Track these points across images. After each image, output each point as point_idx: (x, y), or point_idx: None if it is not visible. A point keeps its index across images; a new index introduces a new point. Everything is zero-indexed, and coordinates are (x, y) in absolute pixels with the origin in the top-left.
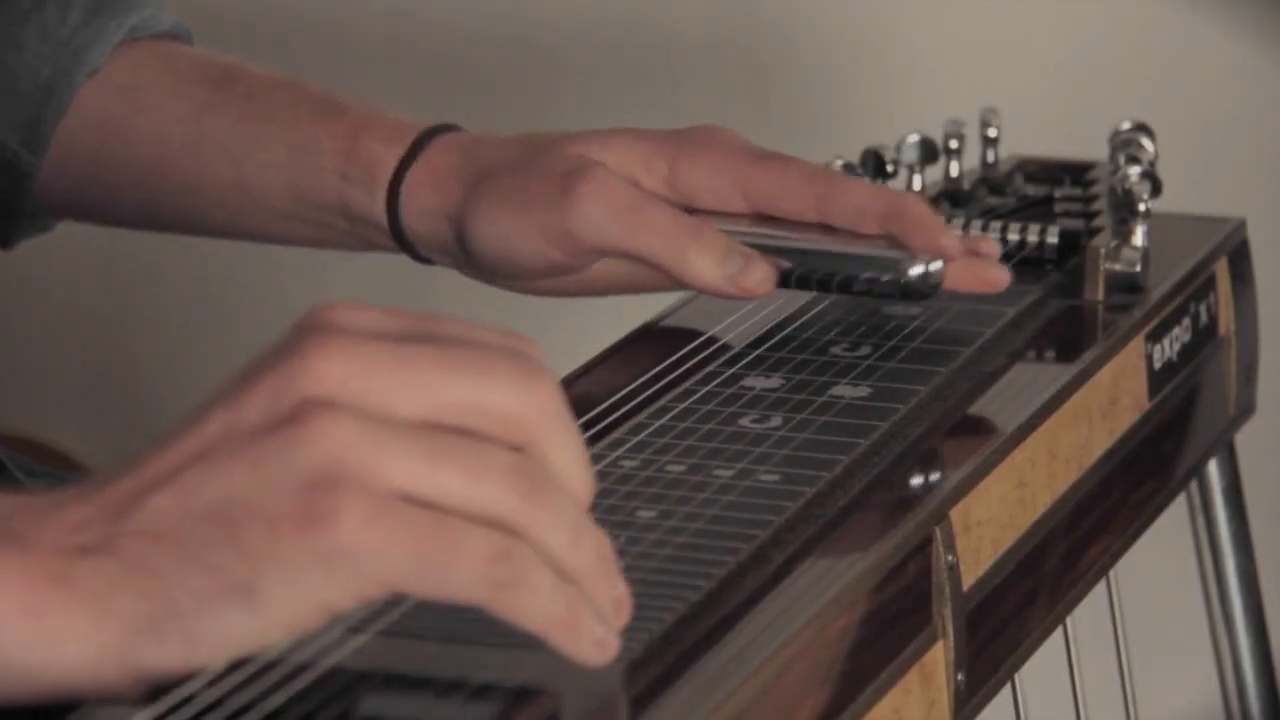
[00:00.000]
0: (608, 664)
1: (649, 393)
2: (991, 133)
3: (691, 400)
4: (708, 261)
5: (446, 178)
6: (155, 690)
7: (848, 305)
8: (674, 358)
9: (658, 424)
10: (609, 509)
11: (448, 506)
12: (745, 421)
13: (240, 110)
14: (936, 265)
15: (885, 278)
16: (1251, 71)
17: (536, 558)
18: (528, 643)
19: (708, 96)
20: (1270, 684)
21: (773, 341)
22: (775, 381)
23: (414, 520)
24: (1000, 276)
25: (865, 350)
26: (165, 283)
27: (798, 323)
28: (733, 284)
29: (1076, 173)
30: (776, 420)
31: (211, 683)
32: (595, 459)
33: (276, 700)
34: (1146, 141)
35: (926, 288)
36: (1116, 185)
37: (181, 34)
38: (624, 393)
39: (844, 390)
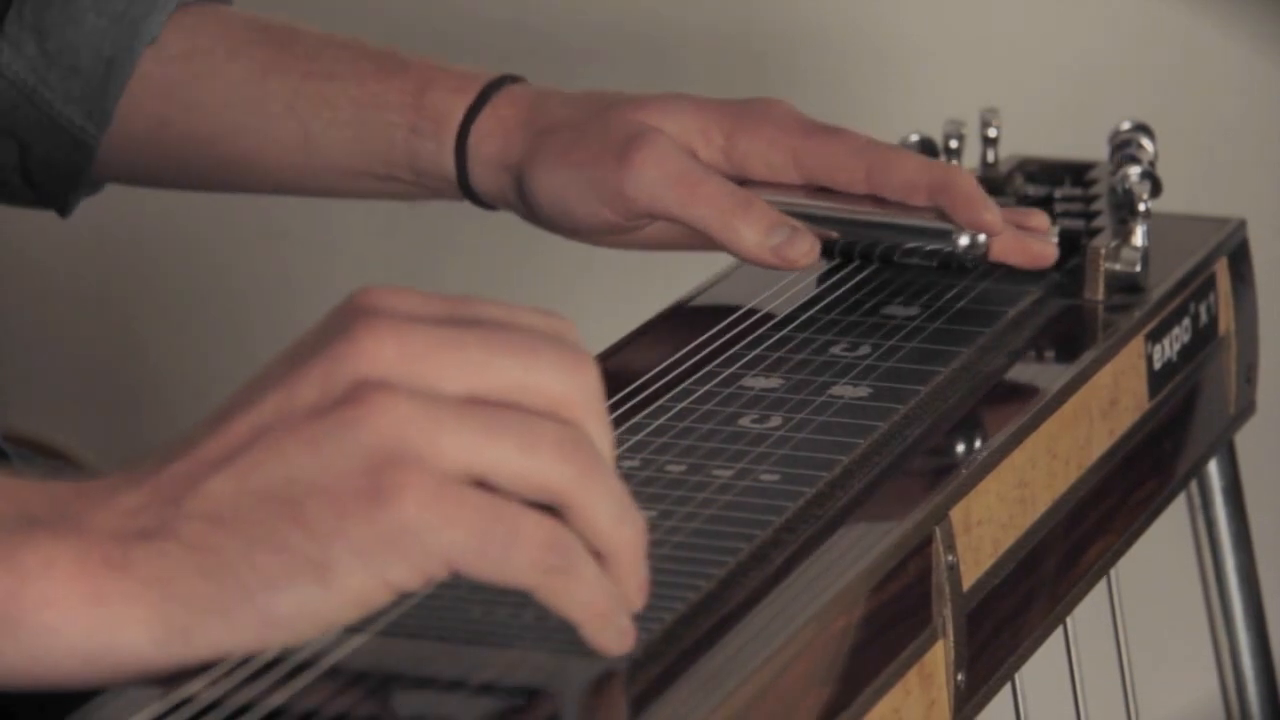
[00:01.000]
0: (624, 653)
1: (650, 393)
2: (991, 133)
3: (691, 400)
4: (754, 233)
5: (512, 129)
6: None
7: (848, 305)
8: (674, 358)
9: (657, 424)
10: None
11: (503, 479)
12: (745, 421)
13: (302, 70)
14: (983, 237)
15: (931, 247)
16: (1252, 72)
17: (583, 548)
18: (528, 643)
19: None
20: (1270, 684)
21: (772, 341)
22: (775, 381)
23: (474, 501)
24: (1047, 250)
25: (865, 350)
26: (168, 281)
27: (797, 322)
28: (777, 255)
29: (1076, 173)
30: (776, 420)
31: (212, 683)
32: None
33: (276, 700)
34: (1146, 141)
35: (972, 258)
36: (1116, 185)
37: None
38: (624, 392)
39: (844, 390)
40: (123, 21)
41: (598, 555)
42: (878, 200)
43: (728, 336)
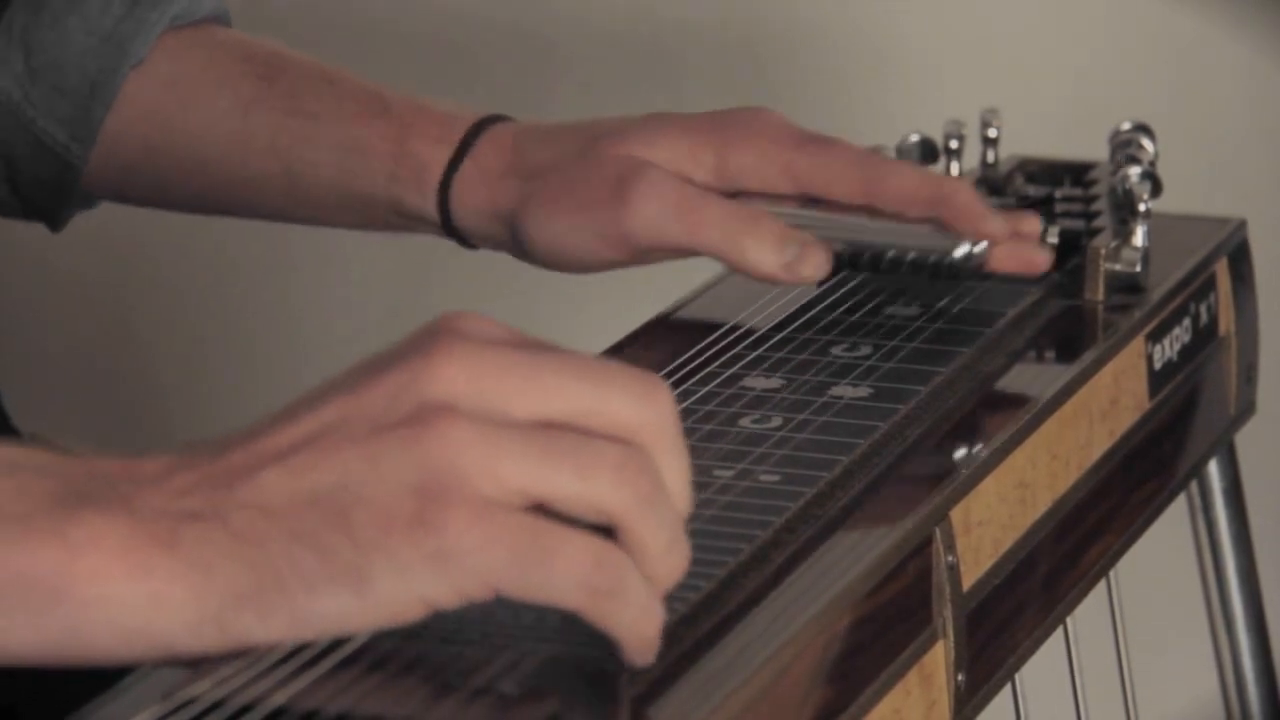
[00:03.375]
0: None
1: None
2: (992, 133)
3: (692, 400)
4: (766, 251)
5: (498, 177)
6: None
7: (849, 306)
8: (676, 360)
9: None
10: None
11: (560, 503)
12: (746, 422)
13: (286, 106)
14: (981, 247)
15: (931, 259)
16: (1252, 71)
17: (633, 568)
18: (528, 643)
19: (707, 96)
20: (1270, 684)
21: (773, 342)
22: (775, 382)
23: (516, 523)
24: (1041, 258)
25: (865, 350)
26: (169, 281)
27: (798, 323)
28: (790, 272)
29: (1077, 173)
30: (777, 420)
31: (215, 683)
32: None
33: (278, 700)
34: (1146, 141)
35: (970, 269)
36: (1117, 185)
37: (220, 16)
38: None
39: (844, 390)
40: (110, 41)
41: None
42: (872, 211)
43: (729, 339)
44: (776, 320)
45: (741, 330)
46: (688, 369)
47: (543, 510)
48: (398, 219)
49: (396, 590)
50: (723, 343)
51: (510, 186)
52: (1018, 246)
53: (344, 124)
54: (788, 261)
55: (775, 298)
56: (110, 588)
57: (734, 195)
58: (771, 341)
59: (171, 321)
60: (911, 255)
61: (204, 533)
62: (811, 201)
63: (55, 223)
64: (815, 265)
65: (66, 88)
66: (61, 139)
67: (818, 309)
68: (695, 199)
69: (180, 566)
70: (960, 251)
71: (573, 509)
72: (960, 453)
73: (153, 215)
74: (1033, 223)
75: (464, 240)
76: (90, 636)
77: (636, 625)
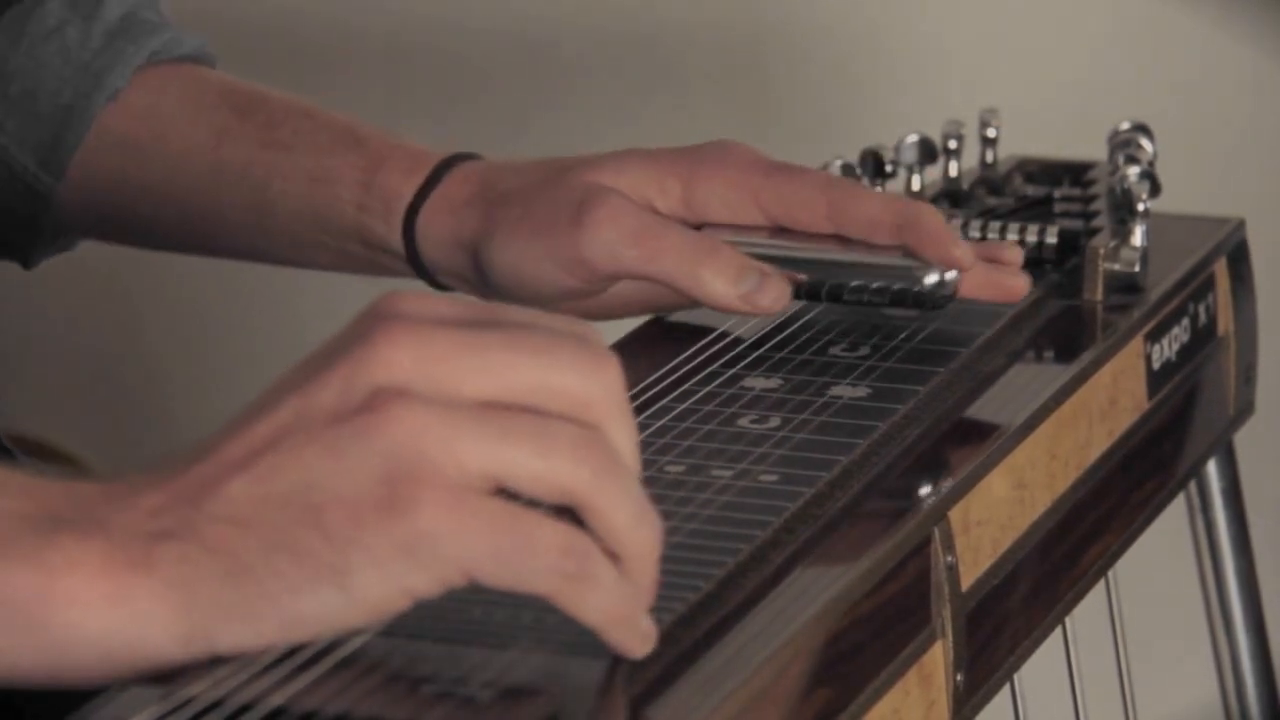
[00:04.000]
0: (644, 654)
1: (650, 394)
2: (991, 133)
3: (691, 400)
4: (722, 281)
5: (463, 206)
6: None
7: (849, 306)
8: (674, 360)
9: (657, 424)
10: None
11: (520, 483)
12: (744, 422)
13: (260, 139)
14: (951, 274)
15: (898, 287)
16: (1251, 72)
17: (599, 552)
18: (528, 643)
19: (708, 96)
20: (1270, 684)
21: (773, 342)
22: (774, 382)
23: (490, 510)
24: (1019, 285)
25: (864, 350)
26: (169, 281)
27: (798, 323)
28: (748, 302)
29: (1076, 173)
30: (776, 420)
31: (214, 683)
32: None
33: (277, 699)
34: (1146, 141)
35: (940, 297)
36: (1115, 185)
37: (203, 57)
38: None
39: (843, 390)
40: (86, 72)
41: (614, 556)
42: (841, 239)
43: (727, 340)
44: (776, 321)
45: (739, 332)
46: (687, 369)
47: (501, 494)
48: (363, 250)
49: (378, 583)
50: (721, 343)
51: (474, 214)
52: (994, 272)
53: (316, 155)
54: (745, 292)
55: None
56: (91, 611)
57: (702, 225)
58: (771, 342)
59: (175, 321)
60: (876, 284)
61: (179, 551)
62: (780, 231)
63: (27, 260)
64: (774, 296)
65: (39, 115)
66: (31, 167)
67: (817, 309)
68: (654, 226)
69: (160, 586)
70: (930, 279)
71: (533, 489)
72: (959, 453)
73: None
74: (1014, 252)
75: (429, 275)
76: (74, 659)
77: (608, 609)
